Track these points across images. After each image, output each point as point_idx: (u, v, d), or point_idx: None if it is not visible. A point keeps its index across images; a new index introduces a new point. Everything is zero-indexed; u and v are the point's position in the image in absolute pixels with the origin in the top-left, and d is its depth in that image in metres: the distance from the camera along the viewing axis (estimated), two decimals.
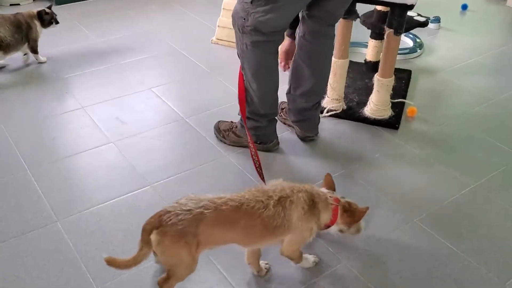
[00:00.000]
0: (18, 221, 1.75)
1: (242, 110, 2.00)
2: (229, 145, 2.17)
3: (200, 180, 1.97)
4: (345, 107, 2.42)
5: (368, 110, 2.37)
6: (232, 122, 2.20)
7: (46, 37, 2.83)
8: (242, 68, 1.98)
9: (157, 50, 2.99)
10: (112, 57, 2.91)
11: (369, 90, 2.41)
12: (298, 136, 2.25)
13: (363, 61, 2.79)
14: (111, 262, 1.35)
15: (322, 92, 2.20)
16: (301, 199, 1.42)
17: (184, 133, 2.27)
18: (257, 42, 1.87)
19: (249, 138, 1.92)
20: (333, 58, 2.27)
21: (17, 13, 2.70)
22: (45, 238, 1.70)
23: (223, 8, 3.01)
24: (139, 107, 2.46)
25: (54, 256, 1.63)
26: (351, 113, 2.40)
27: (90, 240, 1.69)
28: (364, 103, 2.41)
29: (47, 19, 2.75)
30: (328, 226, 1.50)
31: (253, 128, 2.08)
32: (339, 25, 2.18)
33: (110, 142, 2.19)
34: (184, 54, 2.95)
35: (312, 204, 1.44)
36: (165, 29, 3.27)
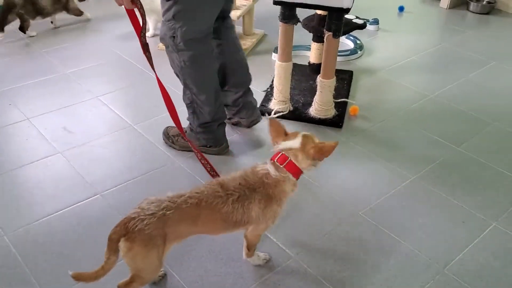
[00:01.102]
0: None
1: (175, 119, 1.91)
2: (179, 150, 2.20)
3: (150, 186, 1.99)
4: (291, 108, 2.49)
5: (313, 111, 2.45)
6: None
7: None
8: (185, 85, 2.02)
9: (104, 59, 2.97)
10: (57, 67, 2.87)
11: (313, 91, 2.49)
12: (244, 126, 2.33)
13: (307, 63, 2.88)
14: (78, 277, 1.34)
15: (247, 79, 2.26)
16: (256, 200, 1.43)
17: (133, 140, 2.27)
18: (193, 56, 1.91)
19: (192, 147, 1.93)
20: (277, 61, 2.35)
21: None
22: None
23: None
24: (87, 116, 2.44)
25: (1, 271, 1.60)
26: (298, 113, 2.48)
27: (39, 252, 1.67)
28: (309, 104, 2.50)
29: None
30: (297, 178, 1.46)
31: (203, 133, 2.13)
32: (281, 29, 2.26)
33: (57, 153, 2.16)
34: (130, 61, 2.95)
35: (267, 194, 1.44)
36: (111, 37, 3.25)
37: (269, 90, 2.66)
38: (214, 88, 2.06)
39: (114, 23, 3.46)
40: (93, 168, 2.09)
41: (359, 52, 3.15)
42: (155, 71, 1.82)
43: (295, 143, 1.44)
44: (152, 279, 1.53)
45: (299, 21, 2.33)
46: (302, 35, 2.85)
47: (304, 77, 2.80)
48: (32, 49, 3.09)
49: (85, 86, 2.68)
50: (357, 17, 2.86)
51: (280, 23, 2.24)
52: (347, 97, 2.63)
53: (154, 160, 2.15)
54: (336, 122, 2.43)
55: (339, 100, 2.54)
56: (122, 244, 1.32)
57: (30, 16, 3.17)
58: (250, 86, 2.29)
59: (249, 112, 2.29)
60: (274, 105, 2.47)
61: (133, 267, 1.39)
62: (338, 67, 2.41)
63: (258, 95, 2.59)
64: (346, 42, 3.27)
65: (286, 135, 1.48)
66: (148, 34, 3.26)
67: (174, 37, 1.87)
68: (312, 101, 2.48)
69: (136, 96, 2.64)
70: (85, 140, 2.26)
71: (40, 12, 3.20)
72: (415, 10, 3.99)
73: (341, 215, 1.89)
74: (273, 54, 3.05)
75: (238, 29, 3.15)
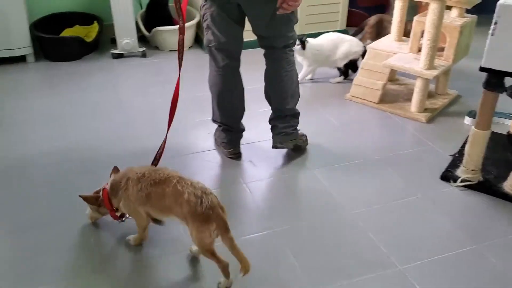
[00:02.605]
0: None
1: (170, 119, 2.12)
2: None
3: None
4: (481, 179, 2.31)
5: (508, 186, 2.23)
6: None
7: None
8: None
9: None
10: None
11: (510, 164, 2.28)
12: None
13: (506, 133, 2.65)
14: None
15: (282, 107, 2.43)
16: None
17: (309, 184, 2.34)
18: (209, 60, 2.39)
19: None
20: (473, 128, 2.21)
21: None
22: None
23: (361, 68, 3.08)
24: (272, 152, 2.59)
25: None
26: (488, 186, 2.28)
27: None
28: (503, 177, 2.28)
29: None
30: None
31: (217, 130, 2.59)
32: (484, 96, 2.13)
33: (243, 183, 2.33)
34: (316, 106, 3.06)
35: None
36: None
37: (457, 155, 2.51)
38: (216, 93, 2.41)
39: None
40: (269, 202, 2.20)
41: None
42: (180, 70, 2.13)
43: None
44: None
45: (505, 90, 2.17)
46: (503, 101, 2.64)
47: (500, 147, 2.57)
48: None
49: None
50: None
51: (484, 90, 2.12)
52: None
53: (324, 207, 2.17)
54: None
55: None
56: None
57: None
58: (291, 115, 2.45)
59: (274, 135, 2.47)
60: (462, 172, 2.32)
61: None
62: None
63: (444, 159, 2.47)
64: None
65: None
66: (300, 75, 3.28)
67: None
68: (507, 175, 2.26)
69: (315, 139, 2.72)
70: (266, 175, 2.41)
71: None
72: None
73: None
74: (466, 117, 2.88)
75: (431, 87, 3.06)
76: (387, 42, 3.15)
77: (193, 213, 1.63)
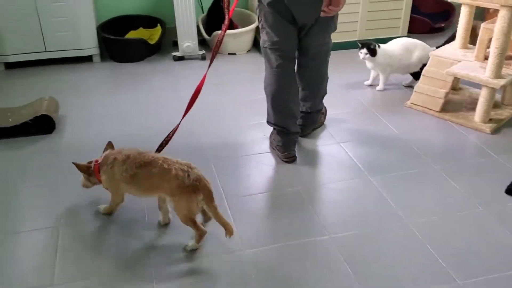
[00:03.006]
0: None
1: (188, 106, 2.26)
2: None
3: (377, 240, 1.97)
4: None
5: None
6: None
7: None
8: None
9: (350, 107, 3.10)
10: None
11: None
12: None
13: None
14: None
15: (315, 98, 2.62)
16: None
17: (365, 191, 2.30)
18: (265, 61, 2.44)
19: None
20: None
21: None
22: None
23: (423, 75, 3.00)
24: (328, 158, 2.57)
25: None
26: None
27: None
28: None
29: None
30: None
31: (273, 133, 2.58)
32: None
33: (297, 188, 2.32)
34: (375, 113, 3.00)
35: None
36: (358, 87, 3.37)
37: None
38: (271, 94, 2.41)
39: (362, 72, 3.58)
40: (324, 208, 2.19)
41: None
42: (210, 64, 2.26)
43: None
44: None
45: None
46: None
47: None
48: None
49: (330, 131, 2.82)
50: None
51: None
52: None
53: (381, 216, 2.13)
54: None
55: None
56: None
57: None
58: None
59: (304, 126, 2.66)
60: None
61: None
62: None
63: (509, 172, 2.38)
64: None
65: None
66: (378, 87, 3.30)
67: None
68: None
69: (374, 148, 2.67)
70: (322, 181, 2.39)
71: None
72: None
73: None
74: None
75: (497, 97, 2.93)
76: (451, 49, 3.05)
77: (182, 186, 1.82)
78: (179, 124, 2.25)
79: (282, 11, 2.25)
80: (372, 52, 3.12)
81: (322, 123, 2.84)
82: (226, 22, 2.27)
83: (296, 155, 2.52)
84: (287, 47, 2.36)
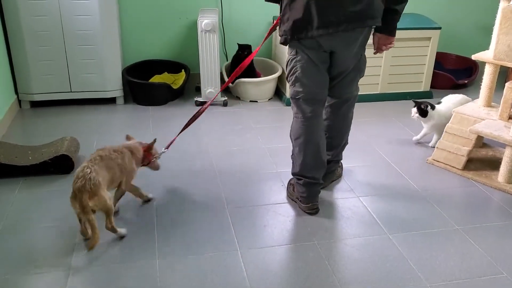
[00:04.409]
0: None
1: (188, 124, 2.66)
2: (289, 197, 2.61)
3: None
4: None
5: None
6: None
7: None
8: (290, 136, 2.47)
9: (370, 160, 3.06)
10: None
11: None
12: None
13: None
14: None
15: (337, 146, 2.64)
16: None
17: (385, 250, 2.22)
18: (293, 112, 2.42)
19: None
20: None
21: None
22: None
23: (445, 131, 2.96)
24: (348, 211, 2.52)
25: None
26: None
27: None
28: None
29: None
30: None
31: (297, 184, 2.49)
32: None
33: (315, 241, 2.27)
34: (396, 168, 2.95)
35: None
36: (379, 141, 3.34)
37: None
38: (302, 145, 2.37)
39: (382, 128, 3.55)
40: (341, 265, 2.12)
41: None
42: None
43: None
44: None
45: None
46: None
47: None
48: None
49: (350, 183, 2.78)
50: None
51: None
52: None
53: (400, 277, 2.05)
54: None
55: None
56: None
57: None
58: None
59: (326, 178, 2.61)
60: None
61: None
62: None
63: None
64: None
65: None
66: (415, 137, 3.26)
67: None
68: None
69: (396, 205, 2.60)
70: (340, 236, 2.33)
71: None
72: None
73: None
74: None
75: None
76: (475, 107, 3.02)
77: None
78: (174, 139, 2.58)
79: (323, 59, 2.27)
80: (423, 113, 3.07)
81: (340, 175, 2.81)
82: (233, 72, 2.54)
83: (319, 207, 2.48)
84: (323, 97, 2.38)
